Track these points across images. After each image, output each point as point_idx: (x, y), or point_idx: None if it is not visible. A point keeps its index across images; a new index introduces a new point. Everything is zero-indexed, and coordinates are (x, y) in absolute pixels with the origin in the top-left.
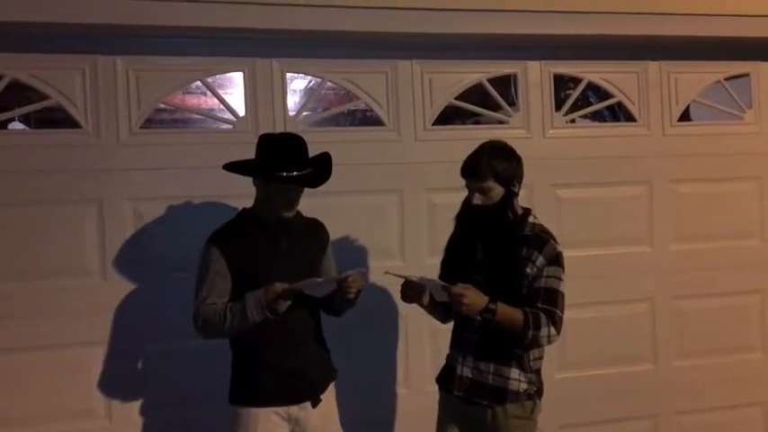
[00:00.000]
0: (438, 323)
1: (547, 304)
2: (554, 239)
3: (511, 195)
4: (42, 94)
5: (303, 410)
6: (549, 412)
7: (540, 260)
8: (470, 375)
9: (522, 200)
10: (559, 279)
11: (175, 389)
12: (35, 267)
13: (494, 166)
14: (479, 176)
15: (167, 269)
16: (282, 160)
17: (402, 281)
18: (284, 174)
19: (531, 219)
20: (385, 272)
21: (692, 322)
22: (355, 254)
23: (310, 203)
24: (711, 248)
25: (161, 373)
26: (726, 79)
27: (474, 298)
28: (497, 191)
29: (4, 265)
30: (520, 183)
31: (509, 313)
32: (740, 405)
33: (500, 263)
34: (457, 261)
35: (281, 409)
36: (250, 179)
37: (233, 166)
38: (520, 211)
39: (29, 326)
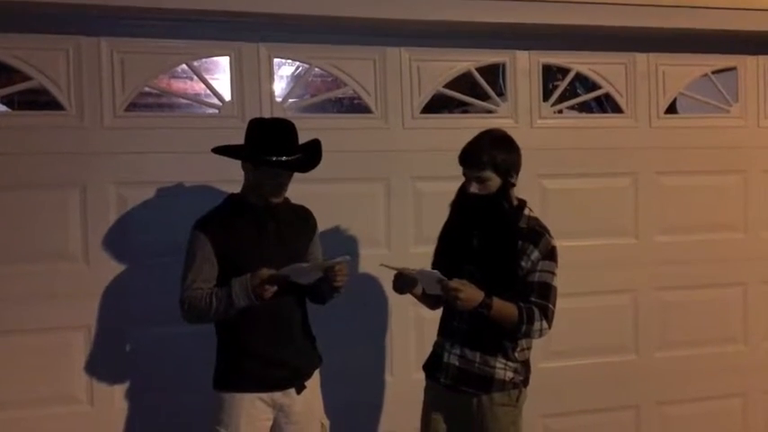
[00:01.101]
0: (423, 311)
1: (540, 298)
2: (549, 234)
3: (508, 186)
4: (25, 75)
5: (287, 397)
6: (532, 401)
7: (536, 254)
8: (457, 364)
9: None
10: (553, 274)
11: (159, 374)
12: (17, 251)
13: (494, 156)
14: (478, 166)
15: (150, 254)
16: (272, 145)
17: (389, 276)
18: (273, 158)
19: (526, 211)
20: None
21: (674, 314)
22: (341, 241)
23: (297, 190)
24: (696, 241)
25: (144, 358)
26: (713, 72)
27: (470, 294)
28: (495, 181)
29: None
30: (517, 173)
31: (504, 308)
32: (721, 396)
33: (494, 254)
34: (450, 250)
35: (266, 396)
36: (237, 164)
37: (223, 150)
38: (515, 202)
39: (10, 310)
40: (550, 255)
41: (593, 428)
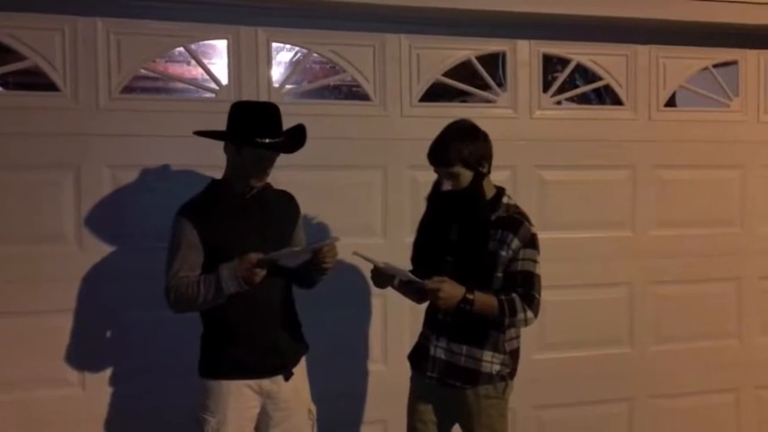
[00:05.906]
0: None
1: (524, 287)
2: (528, 221)
3: (480, 177)
4: (20, 54)
5: (275, 384)
6: (526, 393)
7: (516, 243)
8: (443, 357)
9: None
10: (535, 261)
11: (149, 358)
12: (10, 233)
13: (460, 151)
14: (446, 163)
15: (144, 238)
16: (256, 127)
17: (371, 265)
18: (257, 140)
19: (504, 199)
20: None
21: (669, 308)
22: (336, 229)
23: (292, 176)
24: (692, 235)
25: (135, 342)
26: (714, 66)
27: (450, 291)
28: (466, 175)
29: None
30: (489, 161)
31: (485, 302)
32: (714, 391)
33: (472, 245)
34: (429, 242)
35: (253, 383)
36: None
37: (205, 132)
38: (493, 191)
39: (2, 292)
40: (531, 242)
41: (586, 421)
